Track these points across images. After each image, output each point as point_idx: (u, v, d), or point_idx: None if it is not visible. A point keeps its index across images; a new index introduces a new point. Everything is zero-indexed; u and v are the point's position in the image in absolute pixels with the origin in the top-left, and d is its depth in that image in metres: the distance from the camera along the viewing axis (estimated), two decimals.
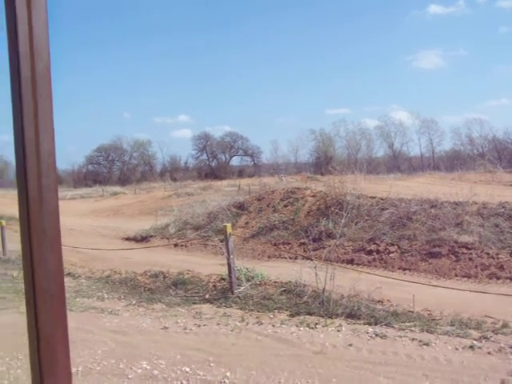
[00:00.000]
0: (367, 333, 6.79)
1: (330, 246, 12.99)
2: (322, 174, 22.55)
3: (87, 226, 26.54)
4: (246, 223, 17.75)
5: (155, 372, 5.74)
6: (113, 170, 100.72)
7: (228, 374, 5.56)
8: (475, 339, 6.37)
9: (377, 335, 6.67)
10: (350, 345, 6.34)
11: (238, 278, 9.45)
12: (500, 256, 11.50)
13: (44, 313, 1.36)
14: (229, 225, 9.80)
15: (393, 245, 12.94)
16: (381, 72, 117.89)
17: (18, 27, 1.35)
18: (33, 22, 1.37)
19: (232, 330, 7.27)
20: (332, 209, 15.23)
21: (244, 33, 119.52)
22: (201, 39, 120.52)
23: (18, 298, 10.15)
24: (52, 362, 1.36)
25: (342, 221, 13.68)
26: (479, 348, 6.05)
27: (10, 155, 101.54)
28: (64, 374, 1.40)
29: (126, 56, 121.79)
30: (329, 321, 7.41)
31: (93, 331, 7.56)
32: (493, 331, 6.66)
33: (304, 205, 16.86)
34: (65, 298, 1.40)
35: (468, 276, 11.13)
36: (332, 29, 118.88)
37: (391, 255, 12.58)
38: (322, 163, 77.46)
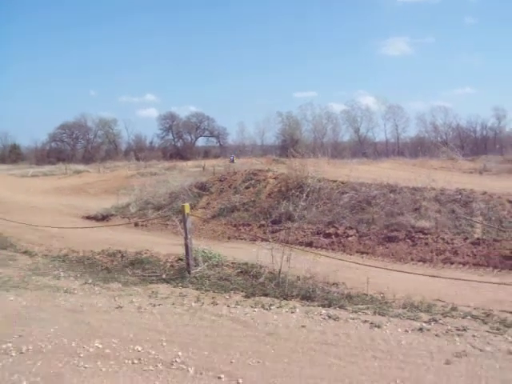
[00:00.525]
0: (320, 314, 6.85)
1: (289, 228, 13.06)
2: (288, 157, 22.58)
3: (49, 203, 26.21)
4: (208, 204, 17.73)
5: (107, 351, 5.71)
6: (77, 147, 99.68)
7: (180, 353, 5.56)
8: (425, 322, 6.48)
9: (330, 317, 6.73)
10: (303, 326, 6.39)
11: (195, 259, 9.44)
12: (455, 241, 11.71)
13: None
14: (187, 205, 9.74)
15: (351, 228, 13.07)
16: (349, 57, 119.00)
17: None
18: None
19: (187, 310, 7.26)
20: (293, 191, 15.31)
21: (215, 16, 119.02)
22: (172, 20, 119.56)
23: None
24: None
25: (302, 203, 13.78)
26: (428, 330, 6.16)
27: None
28: None
29: (95, 34, 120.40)
30: (283, 302, 7.46)
31: (46, 310, 7.49)
32: (442, 314, 6.80)
33: (265, 187, 16.91)
34: None
35: (423, 260, 11.32)
36: (302, 13, 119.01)
37: (350, 239, 12.70)
38: (288, 146, 77.97)
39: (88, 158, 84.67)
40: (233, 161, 65.26)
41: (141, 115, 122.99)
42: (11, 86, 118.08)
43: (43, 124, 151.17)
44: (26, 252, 12.30)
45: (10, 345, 5.97)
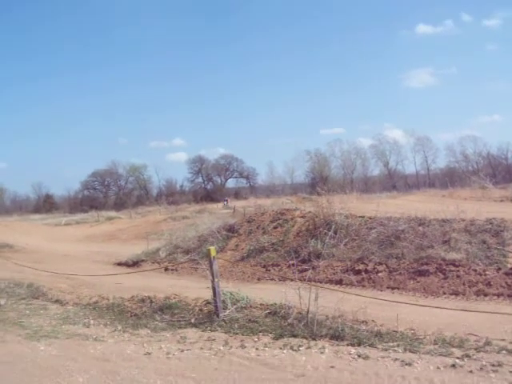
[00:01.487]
0: (350, 354, 6.74)
1: (318, 266, 12.98)
2: (318, 195, 22.60)
3: (81, 251, 26.53)
4: (236, 245, 17.74)
5: None
6: (108, 194, 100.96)
7: None
8: (458, 358, 6.31)
9: (359, 356, 6.62)
10: (332, 366, 6.29)
11: (223, 302, 9.40)
12: (487, 272, 11.48)
13: None
14: (213, 248, 9.76)
15: (381, 264, 12.92)
16: (373, 92, 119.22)
17: None
18: None
19: (215, 354, 7.22)
20: (321, 229, 15.24)
21: (237, 55, 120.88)
22: (194, 62, 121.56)
23: (4, 327, 10.11)
24: None
25: (330, 241, 13.72)
26: (461, 367, 6.00)
27: (6, 182, 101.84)
28: None
29: (120, 81, 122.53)
30: (312, 342, 7.37)
31: (76, 358, 7.51)
32: (475, 349, 6.62)
33: (293, 226, 16.87)
34: None
35: (456, 293, 11.10)
36: (322, 49, 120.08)
37: (379, 274, 12.55)
38: (318, 183, 77.82)
39: (120, 205, 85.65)
40: (226, 204, 65.64)
41: (170, 159, 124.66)
42: (44, 137, 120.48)
43: (76, 173, 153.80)
44: (57, 301, 12.40)
45: None
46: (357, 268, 13.10)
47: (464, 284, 11.31)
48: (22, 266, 16.83)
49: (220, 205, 65.36)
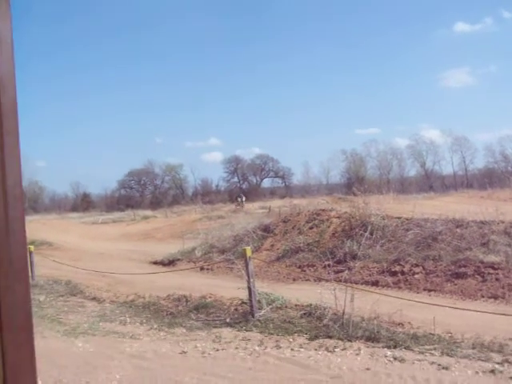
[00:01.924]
0: (386, 356, 6.69)
1: (354, 267, 12.90)
2: (354, 195, 22.49)
3: (117, 250, 26.78)
4: (272, 246, 17.73)
5: None
6: (145, 193, 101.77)
7: None
8: (497, 363, 6.21)
9: (395, 359, 6.57)
10: (368, 369, 6.25)
11: (259, 302, 9.42)
12: None
13: (10, 341, 1.38)
14: (248, 248, 9.80)
15: (418, 266, 12.76)
16: (409, 91, 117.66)
17: None
18: None
19: (250, 354, 7.23)
20: (357, 230, 15.14)
21: (272, 51, 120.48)
22: (229, 59, 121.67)
23: (43, 323, 10.27)
24: None
25: (366, 242, 13.62)
26: (501, 372, 5.90)
27: (45, 180, 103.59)
28: None
29: (157, 79, 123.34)
30: (347, 344, 7.33)
31: (112, 356, 7.61)
32: None
33: (329, 226, 16.79)
34: (32, 328, 1.41)
35: (495, 297, 10.89)
36: (357, 48, 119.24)
37: (416, 276, 12.40)
38: (354, 184, 77.05)
39: (156, 204, 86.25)
40: (241, 202, 61.54)
41: (206, 159, 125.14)
42: (81, 137, 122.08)
43: (112, 172, 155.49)
44: (94, 298, 12.58)
45: None
46: (393, 269, 12.97)
47: (503, 287, 11.10)
48: (60, 263, 17.09)
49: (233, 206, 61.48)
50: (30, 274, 15.60)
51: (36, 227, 34.34)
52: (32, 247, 16.46)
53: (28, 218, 45.33)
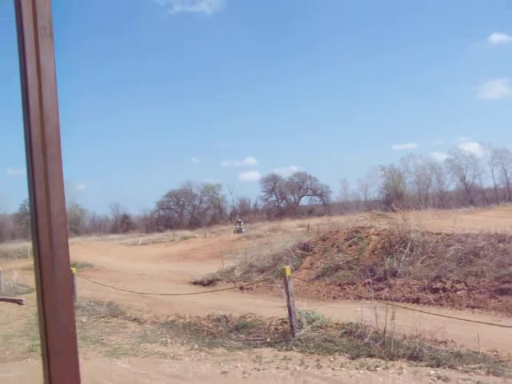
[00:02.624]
0: (429, 375, 6.57)
1: (394, 285, 12.75)
2: (393, 211, 22.27)
3: (157, 270, 26.99)
4: (311, 264, 17.66)
5: None
6: (183, 214, 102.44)
7: None
8: None
9: (439, 378, 6.45)
10: None
11: (299, 321, 9.38)
12: None
13: (56, 365, 1.42)
14: (288, 268, 9.78)
15: (459, 282, 12.54)
16: (446, 104, 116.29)
17: (29, 95, 1.45)
18: (42, 90, 1.47)
19: (291, 374, 7.19)
20: (396, 247, 14.99)
21: (307, 66, 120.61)
22: (263, 76, 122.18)
23: (86, 344, 10.39)
24: None
25: (406, 259, 13.46)
26: None
27: (85, 203, 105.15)
28: None
29: (191, 99, 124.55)
30: (389, 363, 7.24)
31: (153, 376, 7.65)
32: None
33: (368, 244, 16.65)
34: (77, 351, 1.45)
35: None
36: (394, 61, 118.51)
37: (458, 293, 12.19)
38: (392, 200, 76.05)
39: (194, 224, 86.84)
40: (240, 227, 57.43)
41: (243, 178, 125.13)
42: (119, 159, 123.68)
43: (151, 193, 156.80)
44: (135, 319, 12.69)
45: None
46: (434, 286, 12.77)
47: None
48: (101, 285, 17.29)
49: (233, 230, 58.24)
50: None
51: (77, 249, 34.90)
52: (74, 269, 16.71)
53: (69, 241, 46.00)
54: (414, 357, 7.37)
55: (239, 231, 55.19)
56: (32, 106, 1.45)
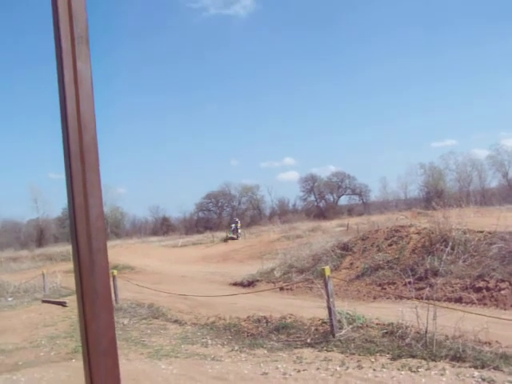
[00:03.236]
0: (473, 377, 6.46)
1: (436, 284, 12.58)
2: (434, 209, 21.97)
3: (197, 272, 27.15)
4: (351, 264, 17.55)
5: None
6: (222, 215, 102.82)
7: None
8: None
9: (483, 380, 6.32)
10: None
11: (339, 321, 9.33)
12: None
13: (96, 367, 1.45)
14: (327, 268, 9.74)
15: (503, 281, 12.29)
16: (486, 100, 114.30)
17: (66, 103, 1.48)
18: (79, 97, 1.50)
19: (332, 375, 7.16)
20: (437, 246, 14.78)
21: (343, 66, 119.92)
22: (298, 76, 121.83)
23: (128, 345, 10.52)
24: None
25: (448, 258, 13.26)
26: None
27: (125, 206, 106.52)
28: None
29: (228, 101, 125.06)
30: (432, 364, 7.14)
31: (195, 378, 7.70)
32: None
33: (408, 243, 16.46)
34: (116, 352, 1.48)
35: None
36: (430, 60, 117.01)
37: (502, 292, 11.95)
38: (433, 198, 74.82)
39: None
40: (235, 228, 54.14)
41: (281, 179, 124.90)
42: (158, 162, 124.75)
43: (190, 195, 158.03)
44: (176, 321, 12.80)
45: None
46: (477, 285, 12.56)
47: None
48: (142, 286, 17.48)
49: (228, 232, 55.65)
50: (113, 297, 16.05)
51: (118, 252, 35.37)
52: (115, 271, 16.96)
53: (111, 243, 46.65)
54: (456, 358, 7.25)
55: (234, 232, 53.06)
56: (70, 114, 1.48)
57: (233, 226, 55.17)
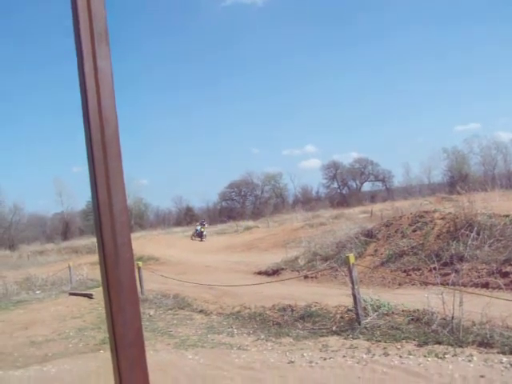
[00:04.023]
0: (501, 362, 6.40)
1: (461, 269, 12.47)
2: (458, 194, 21.85)
3: (222, 261, 27.21)
4: (375, 251, 17.47)
5: None
6: (245, 204, 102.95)
7: None
8: None
9: None
10: (482, 376, 6.01)
11: (364, 309, 9.31)
12: None
13: (124, 359, 1.47)
14: (351, 255, 9.72)
15: None
16: (507, 80, 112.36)
17: (88, 99, 1.49)
18: (100, 94, 1.51)
19: (358, 363, 7.16)
20: (462, 231, 14.63)
21: (360, 56, 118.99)
22: (318, 66, 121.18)
23: (155, 336, 10.61)
24: None
25: (473, 243, 13.14)
26: None
27: (148, 197, 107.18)
28: None
29: (250, 91, 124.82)
30: (458, 350, 7.10)
31: (222, 367, 7.74)
32: None
33: (433, 228, 16.32)
34: (143, 344, 1.49)
35: None
36: (453, 36, 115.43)
37: None
38: (457, 182, 73.96)
39: (257, 214, 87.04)
40: (200, 230, 47.67)
41: (303, 167, 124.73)
42: (179, 153, 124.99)
43: (212, 185, 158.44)
44: (201, 311, 12.87)
45: None
46: (504, 270, 12.41)
47: None
48: (167, 277, 17.59)
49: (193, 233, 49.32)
50: (139, 289, 16.19)
51: (143, 243, 35.58)
52: (140, 263, 17.08)
53: (135, 235, 46.91)
54: (484, 343, 7.20)
55: (199, 235, 47.40)
56: (91, 110, 1.49)
57: (198, 228, 49.01)
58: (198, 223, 52.43)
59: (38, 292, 20.62)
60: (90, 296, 17.13)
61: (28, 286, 22.42)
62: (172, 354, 9.05)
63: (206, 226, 50.56)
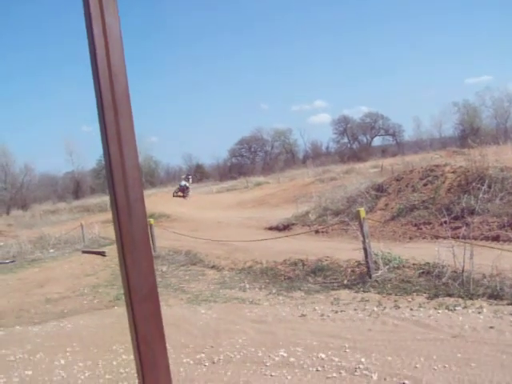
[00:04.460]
0: (511, 314, 6.47)
1: (472, 223, 12.48)
2: (470, 148, 21.68)
3: (233, 217, 27.33)
4: (386, 205, 17.48)
5: (292, 359, 5.86)
6: (256, 160, 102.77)
7: (363, 359, 5.55)
8: None
9: None
10: (492, 327, 6.07)
11: (375, 262, 9.39)
12: None
13: (139, 313, 1.50)
14: (362, 210, 9.75)
15: None
16: None
17: (97, 56, 1.49)
18: (109, 50, 1.51)
19: (369, 315, 7.24)
20: (473, 184, 14.58)
21: (370, 8, 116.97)
22: (328, 20, 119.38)
23: (168, 292, 10.76)
24: (151, 359, 1.50)
25: (484, 196, 13.11)
26: None
27: (158, 155, 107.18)
28: (163, 369, 1.54)
29: (258, 45, 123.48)
30: (469, 302, 7.17)
31: (234, 321, 7.86)
32: None
33: (444, 182, 16.27)
34: (157, 298, 1.52)
35: None
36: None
37: None
38: (468, 136, 73.31)
39: (267, 170, 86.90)
40: (183, 189, 43.91)
41: (313, 122, 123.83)
42: (188, 109, 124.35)
43: (222, 141, 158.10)
44: (213, 266, 13.01)
45: (203, 355, 6.35)
46: None
47: None
48: (179, 234, 17.72)
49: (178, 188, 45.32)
50: (151, 246, 16.34)
51: (154, 201, 35.75)
52: (152, 220, 17.20)
53: (146, 192, 46.87)
54: (494, 296, 7.26)
55: (183, 190, 44.03)
56: (100, 67, 1.49)
57: (182, 183, 45.36)
58: (183, 177, 49.17)
59: (51, 251, 20.89)
60: (102, 254, 17.33)
61: (42, 244, 22.71)
62: (185, 309, 9.18)
63: (191, 181, 47.48)
